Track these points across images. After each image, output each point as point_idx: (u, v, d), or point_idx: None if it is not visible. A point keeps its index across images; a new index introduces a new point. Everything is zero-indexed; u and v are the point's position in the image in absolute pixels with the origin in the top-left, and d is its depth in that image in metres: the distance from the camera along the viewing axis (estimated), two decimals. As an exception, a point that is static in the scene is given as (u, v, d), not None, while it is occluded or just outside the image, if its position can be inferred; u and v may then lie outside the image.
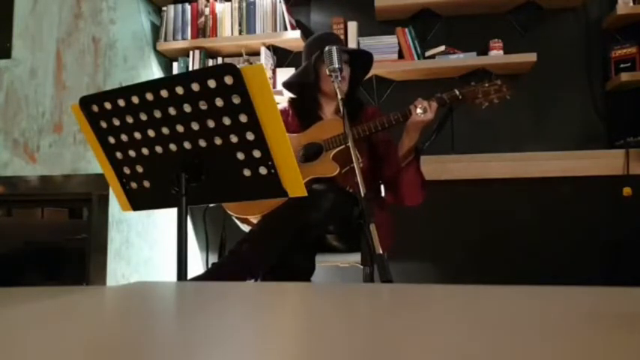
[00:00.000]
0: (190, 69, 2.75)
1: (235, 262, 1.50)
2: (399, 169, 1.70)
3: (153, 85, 1.12)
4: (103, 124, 1.20)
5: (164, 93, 1.10)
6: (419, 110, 1.60)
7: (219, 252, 1.71)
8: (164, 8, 2.83)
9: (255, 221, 1.63)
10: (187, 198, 1.16)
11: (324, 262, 1.72)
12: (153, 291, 0.84)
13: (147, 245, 2.57)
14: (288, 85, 1.89)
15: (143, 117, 1.15)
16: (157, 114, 1.13)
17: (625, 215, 2.40)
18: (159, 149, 1.18)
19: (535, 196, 2.51)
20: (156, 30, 2.84)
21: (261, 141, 1.09)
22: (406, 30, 2.64)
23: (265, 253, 1.50)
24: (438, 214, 2.46)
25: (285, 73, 2.63)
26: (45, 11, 2.53)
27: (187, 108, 1.10)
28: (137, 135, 1.18)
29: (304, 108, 1.84)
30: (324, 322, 0.50)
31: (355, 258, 1.65)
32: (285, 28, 2.69)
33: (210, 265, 1.57)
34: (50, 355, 0.36)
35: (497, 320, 0.49)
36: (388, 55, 2.63)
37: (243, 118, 1.08)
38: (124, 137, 1.20)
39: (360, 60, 1.83)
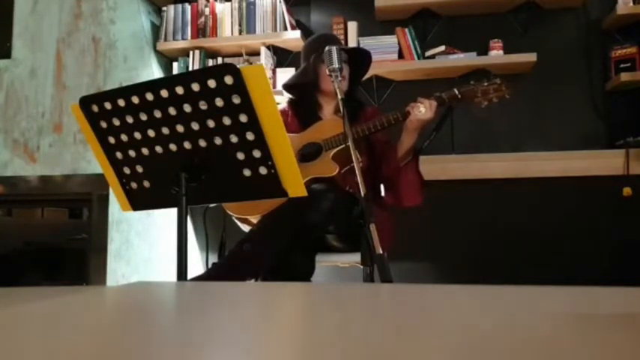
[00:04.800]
0: (190, 69, 2.75)
1: (235, 262, 1.50)
2: (397, 169, 1.70)
3: (153, 85, 1.12)
4: (103, 124, 1.20)
5: (164, 93, 1.10)
6: (421, 109, 1.60)
7: (219, 252, 1.71)
8: (164, 8, 2.83)
9: (255, 221, 1.63)
10: (187, 198, 1.16)
11: (324, 262, 1.72)
12: (153, 291, 0.84)
13: (147, 245, 2.57)
14: (287, 86, 1.89)
15: (143, 117, 1.15)
16: (157, 114, 1.13)
17: (625, 215, 2.40)
18: (159, 149, 1.18)
19: (535, 196, 2.51)
20: (156, 30, 2.84)
21: (261, 141, 1.09)
22: (406, 30, 2.64)
23: (265, 253, 1.50)
24: (438, 214, 2.46)
25: (285, 73, 2.63)
26: (45, 11, 2.53)
27: (187, 108, 1.10)
28: (137, 135, 1.18)
29: (304, 108, 1.84)
30: (323, 322, 0.50)
31: (355, 258, 1.65)
32: (285, 28, 2.69)
33: (210, 265, 1.57)
34: (50, 355, 0.36)
35: (497, 320, 0.49)
36: (388, 55, 2.63)
37: (243, 118, 1.08)
38: (123, 137, 1.20)
39: (359, 59, 1.83)
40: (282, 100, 2.41)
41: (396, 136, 1.74)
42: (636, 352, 0.35)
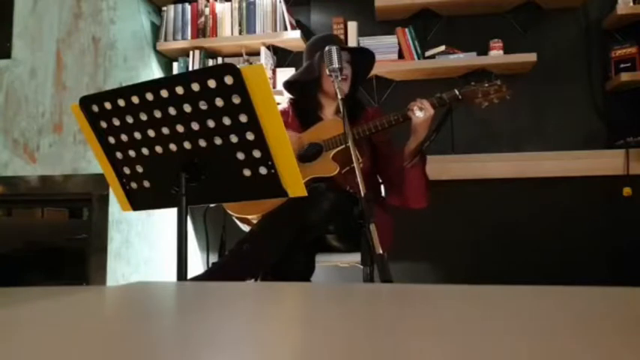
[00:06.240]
0: (190, 69, 2.75)
1: (235, 261, 1.50)
2: (401, 169, 1.70)
3: (153, 85, 1.12)
4: (103, 124, 1.20)
5: (164, 93, 1.10)
6: (417, 113, 1.61)
7: (219, 252, 1.71)
8: (164, 8, 2.83)
9: (254, 221, 1.63)
10: (187, 198, 1.16)
11: (324, 262, 1.72)
12: (153, 291, 0.84)
13: (147, 245, 2.57)
14: (289, 84, 1.88)
15: (143, 117, 1.15)
16: (157, 114, 1.13)
17: (625, 215, 2.40)
18: (159, 149, 1.18)
19: (535, 196, 2.51)
20: (156, 30, 2.84)
21: (261, 141, 1.09)
22: (406, 30, 2.64)
23: (265, 253, 1.50)
24: (437, 214, 2.45)
25: (285, 73, 2.63)
26: (45, 11, 2.53)
27: (187, 108, 1.10)
28: (137, 135, 1.18)
29: (305, 108, 1.84)
30: (323, 322, 0.50)
31: (355, 258, 1.65)
32: (285, 28, 2.69)
33: (210, 265, 1.57)
34: (50, 355, 0.35)
35: (497, 320, 0.49)
36: (388, 55, 2.63)
37: (243, 118, 1.08)
38: (123, 137, 1.20)
39: (362, 59, 1.83)
40: (282, 100, 2.41)
41: (398, 137, 1.74)
42: (636, 353, 0.35)
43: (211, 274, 1.51)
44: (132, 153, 1.21)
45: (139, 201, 1.29)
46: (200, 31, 2.77)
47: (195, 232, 2.82)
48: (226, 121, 1.09)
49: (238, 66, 1.06)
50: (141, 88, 1.12)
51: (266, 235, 1.53)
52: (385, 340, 0.39)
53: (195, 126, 1.12)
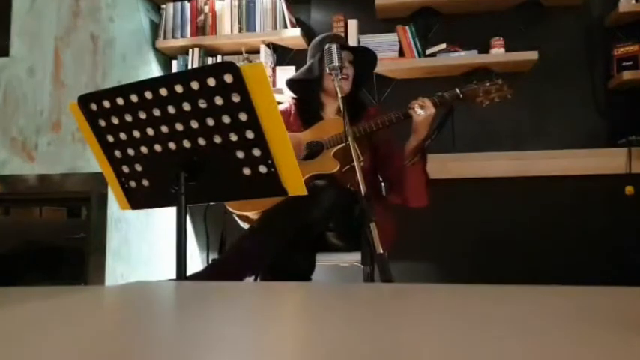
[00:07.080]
0: (190, 67, 2.75)
1: (236, 258, 1.50)
2: (402, 169, 1.70)
3: (152, 84, 1.11)
4: (102, 123, 1.19)
5: (163, 91, 1.10)
6: (418, 111, 1.61)
7: (219, 251, 1.71)
8: (163, 6, 2.82)
9: (254, 218, 1.63)
10: (186, 197, 1.15)
11: (324, 261, 1.72)
12: (152, 291, 0.84)
13: (146, 244, 2.56)
14: (291, 82, 1.88)
15: (142, 115, 1.14)
16: (156, 112, 1.12)
17: (627, 214, 2.40)
18: (158, 148, 1.17)
19: (536, 195, 2.50)
20: (155, 28, 2.83)
21: (260, 139, 1.09)
22: (407, 28, 2.63)
23: (266, 249, 1.49)
24: (438, 213, 2.44)
25: (285, 72, 2.63)
26: (43, 9, 2.52)
27: (186, 106, 1.10)
28: (136, 133, 1.17)
29: (307, 107, 1.84)
30: (324, 322, 0.49)
31: (356, 257, 1.65)
32: (285, 26, 2.68)
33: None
34: (49, 355, 0.35)
35: (497, 319, 0.48)
36: (389, 53, 2.62)
37: (242, 117, 1.08)
38: (122, 136, 1.19)
39: (364, 59, 1.83)
40: (282, 98, 2.40)
41: (399, 136, 1.74)
42: (636, 353, 0.34)
43: (212, 269, 1.50)
44: (131, 152, 1.21)
45: (137, 200, 1.29)
46: (199, 29, 2.77)
47: (194, 232, 2.81)
48: (226, 119, 1.09)
49: (238, 64, 1.05)
50: (140, 86, 1.12)
51: (266, 231, 1.52)
52: (385, 340, 0.38)
53: (194, 124, 1.11)
